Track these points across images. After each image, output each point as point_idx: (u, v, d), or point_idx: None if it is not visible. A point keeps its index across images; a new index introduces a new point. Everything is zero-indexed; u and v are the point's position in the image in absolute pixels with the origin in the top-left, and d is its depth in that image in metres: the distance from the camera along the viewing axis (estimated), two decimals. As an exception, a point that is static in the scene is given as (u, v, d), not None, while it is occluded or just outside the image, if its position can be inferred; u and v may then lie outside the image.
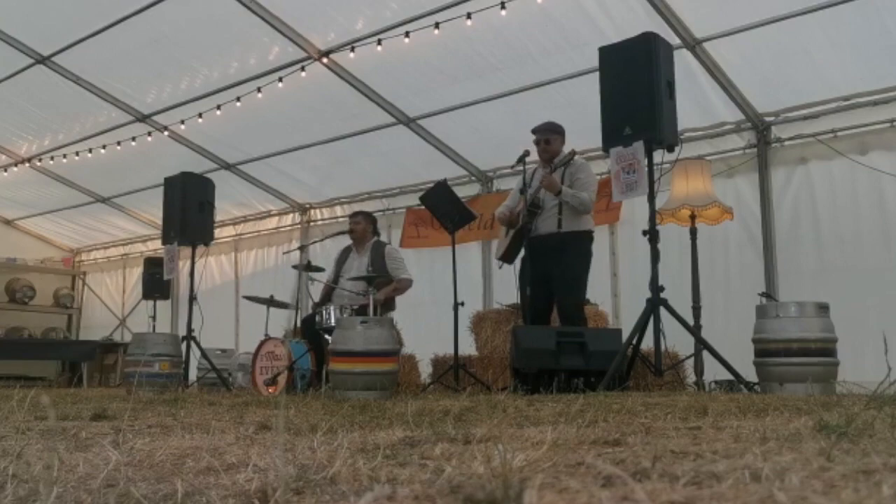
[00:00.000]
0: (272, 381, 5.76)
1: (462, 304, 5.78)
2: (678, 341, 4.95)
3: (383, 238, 7.15)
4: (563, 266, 5.20)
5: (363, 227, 6.49)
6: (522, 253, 5.43)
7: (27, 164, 9.74)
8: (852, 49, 5.55)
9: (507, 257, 5.54)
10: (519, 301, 5.53)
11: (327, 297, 6.50)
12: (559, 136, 5.49)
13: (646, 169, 4.50)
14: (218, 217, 8.09)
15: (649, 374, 4.87)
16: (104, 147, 8.82)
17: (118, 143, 8.69)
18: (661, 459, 1.20)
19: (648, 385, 5.09)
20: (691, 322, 5.07)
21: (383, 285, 6.04)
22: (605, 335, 5.02)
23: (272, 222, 10.21)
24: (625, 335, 4.66)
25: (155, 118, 8.26)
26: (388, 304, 6.26)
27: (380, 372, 4.48)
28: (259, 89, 7.22)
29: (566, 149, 5.43)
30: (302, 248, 7.65)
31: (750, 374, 4.39)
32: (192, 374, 7.35)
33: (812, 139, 6.16)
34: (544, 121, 5.55)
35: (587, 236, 5.34)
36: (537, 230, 5.30)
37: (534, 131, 5.50)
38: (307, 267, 6.70)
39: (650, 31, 4.64)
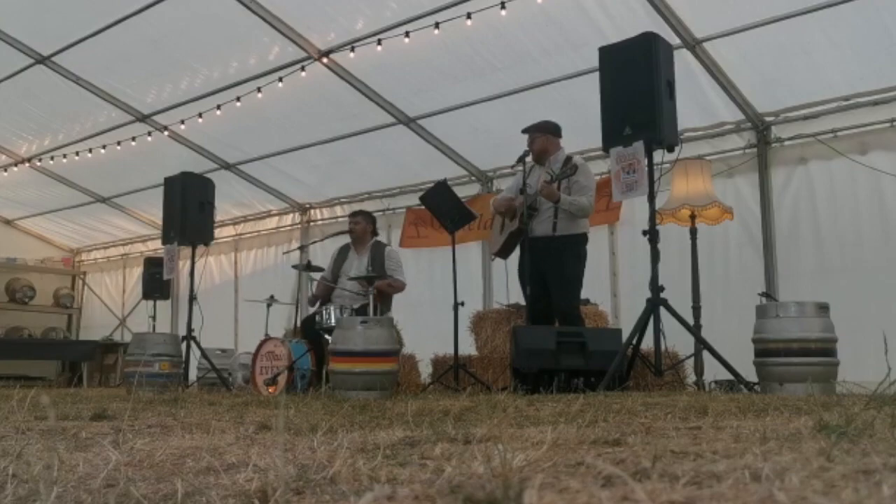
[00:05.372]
0: (272, 381, 5.76)
1: (462, 304, 5.78)
2: (678, 341, 4.95)
3: (384, 238, 7.15)
4: (557, 268, 5.21)
5: (363, 227, 6.50)
6: (517, 252, 5.46)
7: (27, 164, 9.74)
8: (852, 49, 5.55)
9: (501, 254, 5.59)
10: (522, 300, 5.54)
11: (324, 295, 6.48)
12: (542, 133, 5.48)
13: (646, 169, 4.49)
14: (218, 217, 8.08)
15: (649, 374, 4.87)
16: (104, 147, 8.83)
17: (118, 143, 8.69)
18: (661, 459, 1.20)
19: (648, 385, 5.08)
20: (691, 322, 5.07)
21: (380, 283, 6.07)
22: (605, 335, 5.02)
23: (272, 222, 10.21)
24: (625, 335, 4.66)
25: (155, 118, 8.26)
26: (386, 304, 6.27)
27: (380, 372, 4.48)
28: (259, 89, 7.22)
29: (567, 148, 5.42)
30: (302, 248, 7.65)
31: (750, 374, 4.39)
32: (192, 374, 7.35)
33: (812, 139, 6.15)
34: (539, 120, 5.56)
35: (582, 239, 5.34)
36: (533, 231, 5.31)
37: (523, 131, 5.53)
38: (307, 267, 6.70)
39: (650, 31, 4.64)
